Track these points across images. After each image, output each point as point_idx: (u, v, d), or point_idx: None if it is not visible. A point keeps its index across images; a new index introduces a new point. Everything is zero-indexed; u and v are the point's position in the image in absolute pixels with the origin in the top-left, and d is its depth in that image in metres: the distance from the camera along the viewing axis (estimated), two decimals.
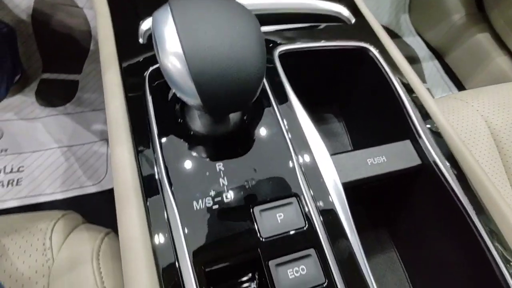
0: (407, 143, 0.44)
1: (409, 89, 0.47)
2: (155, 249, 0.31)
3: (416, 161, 0.42)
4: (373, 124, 0.52)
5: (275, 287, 0.30)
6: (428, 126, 0.44)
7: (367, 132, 0.54)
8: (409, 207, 0.48)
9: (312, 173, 0.36)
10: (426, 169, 0.42)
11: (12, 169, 0.95)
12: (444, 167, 0.41)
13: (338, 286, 0.31)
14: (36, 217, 0.50)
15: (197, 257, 0.30)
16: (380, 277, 0.49)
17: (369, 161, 0.41)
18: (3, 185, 0.92)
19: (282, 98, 0.42)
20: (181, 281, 0.29)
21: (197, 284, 0.29)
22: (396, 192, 0.48)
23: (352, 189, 0.40)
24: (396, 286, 0.48)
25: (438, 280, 0.44)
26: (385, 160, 0.42)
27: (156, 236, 0.31)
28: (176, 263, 0.30)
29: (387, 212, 0.52)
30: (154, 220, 0.32)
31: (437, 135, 0.43)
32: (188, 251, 0.30)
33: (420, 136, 0.43)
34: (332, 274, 0.31)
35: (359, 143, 0.57)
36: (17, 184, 0.93)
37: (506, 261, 0.36)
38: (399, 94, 0.45)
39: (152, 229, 0.32)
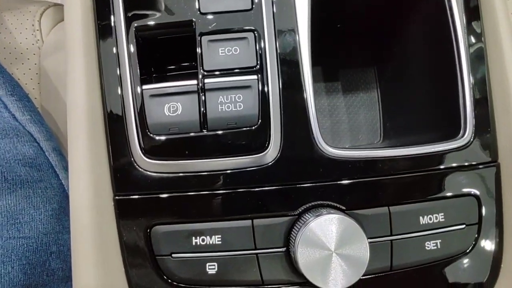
0: None
1: None
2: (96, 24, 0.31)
3: None
4: None
5: (203, 63, 0.29)
6: None
7: None
8: (402, 41, 0.42)
9: None
10: None
11: None
12: None
13: (269, 71, 0.29)
14: (30, 1, 0.52)
15: (130, 23, 0.29)
16: (354, 113, 0.47)
17: None
18: None
19: None
20: (116, 48, 0.30)
21: (129, 54, 0.29)
22: (387, 20, 0.42)
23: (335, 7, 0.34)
24: (367, 123, 0.46)
25: (409, 123, 0.42)
26: None
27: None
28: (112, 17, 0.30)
29: (377, 47, 0.46)
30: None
31: None
32: (124, 16, 0.30)
33: None
34: (266, 60, 0.29)
35: None
36: None
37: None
38: None
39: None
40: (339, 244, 0.27)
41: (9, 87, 0.39)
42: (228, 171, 0.29)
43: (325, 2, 0.34)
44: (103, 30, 0.31)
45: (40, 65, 0.49)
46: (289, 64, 0.30)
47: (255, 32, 0.30)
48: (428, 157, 0.31)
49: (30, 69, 0.49)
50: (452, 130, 0.34)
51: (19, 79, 0.49)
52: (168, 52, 0.31)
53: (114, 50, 0.30)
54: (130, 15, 0.30)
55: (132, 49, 0.30)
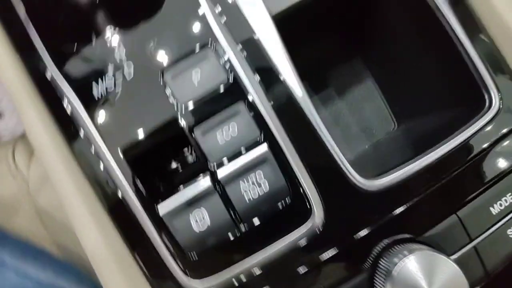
0: None
1: None
2: (75, 155, 0.28)
3: None
4: None
5: (206, 157, 0.26)
6: None
7: None
8: (381, 23, 0.40)
9: (229, 13, 0.28)
10: None
11: None
12: None
13: (276, 134, 0.27)
14: None
15: (118, 151, 0.27)
16: (358, 110, 0.45)
17: None
18: None
19: None
20: (109, 176, 0.27)
21: (127, 178, 0.27)
22: (359, 8, 0.39)
23: (301, 19, 0.32)
24: (375, 115, 0.44)
25: (417, 102, 0.39)
26: None
27: (70, 140, 0.28)
28: (100, 161, 0.27)
29: (357, 36, 0.43)
30: (59, 121, 0.28)
31: None
32: (106, 145, 0.27)
33: None
34: (269, 126, 0.27)
35: None
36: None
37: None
38: None
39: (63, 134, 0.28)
40: (431, 281, 0.25)
41: (18, 253, 0.36)
42: (284, 255, 0.26)
43: (289, 22, 0.31)
44: (88, 166, 0.28)
45: (35, 205, 0.46)
46: (293, 117, 0.27)
47: (245, 101, 0.27)
48: (470, 143, 0.29)
49: (28, 212, 0.46)
50: (471, 95, 0.32)
51: (21, 226, 0.46)
52: (167, 158, 0.29)
53: (111, 182, 0.27)
54: (110, 141, 0.27)
55: (130, 175, 0.27)
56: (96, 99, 0.27)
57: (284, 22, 0.30)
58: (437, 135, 0.32)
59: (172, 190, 0.27)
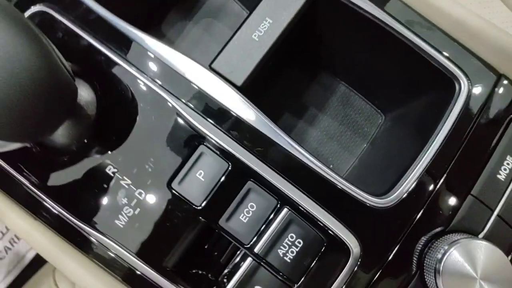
0: None
1: None
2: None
3: None
4: None
5: (237, 239, 0.29)
6: None
7: None
8: (330, 38, 0.42)
9: (204, 105, 0.30)
10: None
11: None
12: None
13: (290, 194, 0.29)
14: (33, 285, 0.51)
15: (161, 265, 0.29)
16: (344, 117, 0.47)
17: (256, 35, 0.34)
18: None
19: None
20: None
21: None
22: (311, 36, 0.41)
23: (262, 75, 0.34)
24: (361, 115, 0.46)
25: (393, 91, 0.42)
26: (271, 21, 0.34)
27: (114, 274, 0.30)
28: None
29: (315, 56, 0.46)
30: (101, 263, 0.30)
31: None
32: (150, 266, 0.29)
33: None
34: (281, 190, 0.29)
35: None
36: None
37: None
38: None
39: (108, 272, 0.30)
40: (474, 264, 0.27)
41: None
42: None
43: (254, 83, 0.33)
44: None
45: None
46: (300, 174, 0.30)
47: (252, 179, 0.29)
48: (457, 126, 0.31)
49: None
50: (439, 79, 0.34)
51: None
52: (206, 254, 0.31)
53: None
54: (152, 260, 0.29)
55: (179, 282, 0.29)
56: (122, 228, 0.29)
57: (250, 86, 0.32)
58: (425, 122, 0.35)
59: (220, 279, 0.30)
